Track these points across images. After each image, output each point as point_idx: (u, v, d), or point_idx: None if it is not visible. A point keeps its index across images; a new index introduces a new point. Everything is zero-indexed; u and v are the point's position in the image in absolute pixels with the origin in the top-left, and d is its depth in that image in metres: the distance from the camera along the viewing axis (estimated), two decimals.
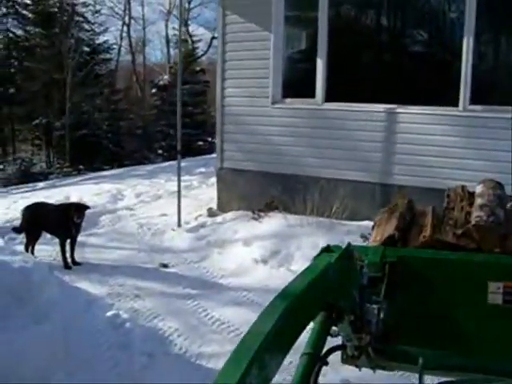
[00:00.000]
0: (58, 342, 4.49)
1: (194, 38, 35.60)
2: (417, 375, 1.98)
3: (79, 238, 9.20)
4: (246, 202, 9.89)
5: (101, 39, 31.71)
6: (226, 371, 1.17)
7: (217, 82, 10.46)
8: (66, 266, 7.85)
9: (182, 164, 18.66)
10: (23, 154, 31.61)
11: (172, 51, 38.61)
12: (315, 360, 1.59)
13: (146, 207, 12.25)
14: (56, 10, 29.59)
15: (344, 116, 9.34)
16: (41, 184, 22.59)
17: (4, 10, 32.17)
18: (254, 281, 7.40)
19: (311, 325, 1.65)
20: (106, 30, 32.33)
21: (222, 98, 10.34)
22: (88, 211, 11.41)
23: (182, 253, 8.53)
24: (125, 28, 39.22)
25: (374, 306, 2.04)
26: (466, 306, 2.13)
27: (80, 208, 7.94)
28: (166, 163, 20.18)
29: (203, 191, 13.18)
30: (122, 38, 38.96)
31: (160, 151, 28.74)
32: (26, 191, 19.91)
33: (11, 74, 32.55)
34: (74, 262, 8.01)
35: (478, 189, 2.52)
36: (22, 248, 8.32)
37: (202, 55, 37.33)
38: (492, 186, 2.51)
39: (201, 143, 28.75)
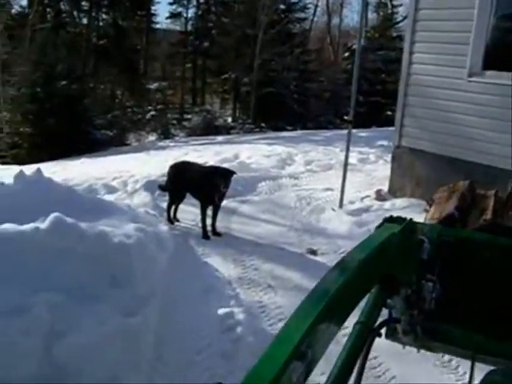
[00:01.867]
0: (144, 339, 3.68)
1: (395, 2, 33.76)
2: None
3: (230, 204, 8.52)
4: (422, 188, 8.48)
5: None
6: (282, 339, 1.17)
7: (404, 45, 9.03)
8: (204, 236, 7.09)
9: (363, 134, 17.44)
10: (210, 107, 32.32)
11: (370, 15, 36.85)
12: (368, 330, 1.55)
13: (312, 177, 11.31)
14: None
15: None
16: (219, 138, 22.71)
17: None
18: None
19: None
20: None
21: (408, 65, 8.88)
22: (248, 175, 10.81)
23: (336, 239, 7.38)
24: None
25: (430, 284, 2.01)
26: None
27: (225, 175, 7.07)
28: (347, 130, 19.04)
29: (378, 167, 11.92)
30: None
31: (345, 117, 27.72)
32: (202, 143, 20.01)
33: (208, 28, 33.35)
34: (215, 233, 7.24)
35: None
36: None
37: (401, 20, 35.15)
38: None
39: (389, 113, 27.24)
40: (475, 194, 2.54)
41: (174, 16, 34.99)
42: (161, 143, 22.83)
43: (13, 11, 27.04)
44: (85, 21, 29.85)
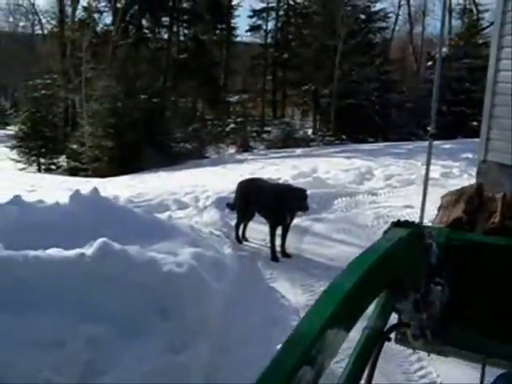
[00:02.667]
0: (192, 378, 3.32)
1: (480, 8, 32.45)
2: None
3: (303, 222, 8.11)
4: None
5: (377, 6, 30.67)
6: (291, 344, 1.19)
7: (490, 51, 8.37)
8: (273, 258, 6.69)
9: (446, 146, 16.62)
10: (290, 119, 32.14)
11: (454, 22, 35.58)
12: (377, 335, 1.55)
13: (391, 193, 10.75)
14: None
15: None
16: (298, 151, 22.38)
17: None
18: None
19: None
20: None
21: (494, 72, 8.20)
22: (324, 191, 10.36)
23: None
24: None
25: (438, 288, 1.96)
26: None
27: (302, 196, 6.57)
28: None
29: (462, 183, 11.13)
30: (400, 6, 37.03)
31: (428, 128, 26.73)
32: (280, 157, 19.73)
33: (287, 40, 33.27)
34: (284, 254, 6.82)
35: None
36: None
37: (488, 26, 33.74)
38: None
39: (475, 123, 26.09)
40: (483, 197, 2.49)
41: (253, 29, 35.20)
42: (239, 156, 22.76)
43: (98, 29, 27.81)
44: (165, 35, 30.32)
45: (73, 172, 22.04)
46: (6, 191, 13.94)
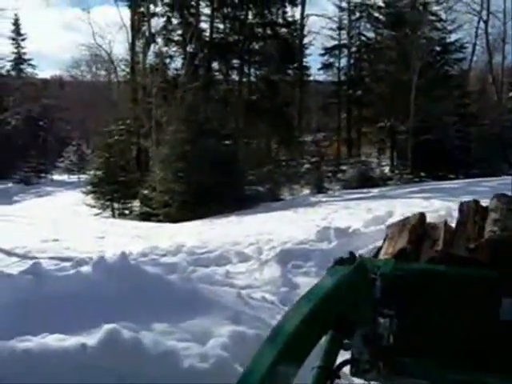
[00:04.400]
0: None
1: None
2: None
3: None
4: None
5: (453, 37, 29.78)
6: (245, 379, 1.32)
7: None
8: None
9: None
10: (366, 158, 31.29)
11: None
12: (327, 373, 1.66)
13: None
14: (408, 9, 28.18)
15: None
16: (374, 191, 21.36)
17: (358, 13, 32.44)
18: None
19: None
20: (459, 28, 30.11)
21: None
22: None
23: None
24: (481, 24, 35.38)
25: (386, 320, 2.02)
26: (477, 321, 2.09)
27: None
28: None
29: None
30: (477, 36, 35.28)
31: None
32: (355, 198, 18.80)
33: (361, 76, 32.66)
34: None
35: (492, 204, 2.55)
36: (306, 281, 6.62)
37: None
38: (505, 201, 2.54)
39: None
40: (426, 225, 2.53)
41: (326, 67, 34.82)
42: (313, 198, 21.98)
43: (168, 73, 28.07)
44: (235, 77, 30.27)
45: (145, 217, 21.88)
46: (78, 238, 14.09)
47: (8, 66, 42.92)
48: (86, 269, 4.10)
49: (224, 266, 8.42)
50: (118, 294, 3.80)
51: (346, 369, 2.01)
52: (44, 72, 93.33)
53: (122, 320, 3.19)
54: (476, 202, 2.65)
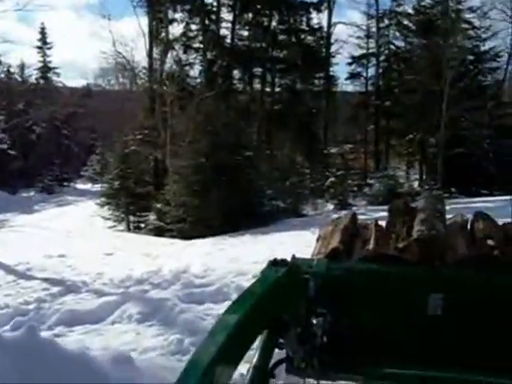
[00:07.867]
0: None
1: None
2: None
3: None
4: None
5: (487, 46, 28.50)
6: (184, 379, 1.31)
7: None
8: None
9: None
10: (394, 172, 29.99)
11: None
12: (263, 373, 1.69)
13: None
14: (439, 17, 27.10)
15: None
16: None
17: (386, 21, 31.37)
18: None
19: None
20: (493, 36, 28.67)
21: None
22: None
23: None
24: None
25: (319, 319, 2.12)
26: (406, 317, 2.24)
27: None
28: None
29: None
30: None
31: None
32: (378, 217, 17.42)
33: (390, 87, 31.58)
34: None
35: (420, 204, 2.72)
36: None
37: None
38: (433, 201, 2.72)
39: None
40: (357, 225, 2.54)
41: (353, 76, 33.68)
42: (335, 215, 20.72)
43: (187, 80, 27.32)
44: (257, 86, 29.36)
45: (159, 232, 20.89)
46: (85, 254, 13.33)
47: (34, 74, 43.09)
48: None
49: (221, 302, 7.57)
50: None
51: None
52: (75, 81, 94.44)
53: None
54: (405, 202, 2.81)
